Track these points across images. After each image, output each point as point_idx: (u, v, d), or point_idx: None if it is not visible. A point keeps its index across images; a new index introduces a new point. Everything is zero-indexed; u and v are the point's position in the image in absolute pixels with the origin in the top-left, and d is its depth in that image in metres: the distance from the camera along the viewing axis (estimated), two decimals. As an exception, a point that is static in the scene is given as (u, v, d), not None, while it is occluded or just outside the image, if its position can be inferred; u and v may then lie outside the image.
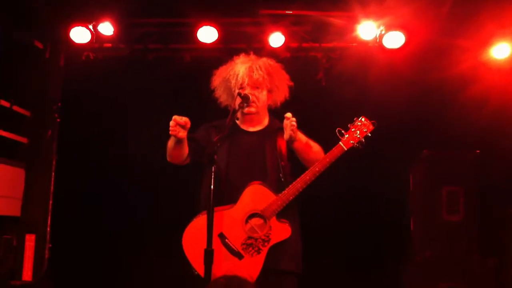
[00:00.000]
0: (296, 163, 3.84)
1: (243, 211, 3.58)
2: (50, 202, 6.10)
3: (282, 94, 3.95)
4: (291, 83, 3.97)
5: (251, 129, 3.90)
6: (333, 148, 3.61)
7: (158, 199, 6.14)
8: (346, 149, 3.61)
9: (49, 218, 6.07)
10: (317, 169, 3.56)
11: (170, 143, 3.71)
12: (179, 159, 3.82)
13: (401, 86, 5.77)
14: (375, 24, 5.73)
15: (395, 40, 5.74)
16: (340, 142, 3.62)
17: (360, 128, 3.66)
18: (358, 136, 3.63)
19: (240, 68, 3.77)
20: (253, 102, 3.75)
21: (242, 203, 3.59)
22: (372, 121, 3.69)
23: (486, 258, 5.36)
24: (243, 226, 3.56)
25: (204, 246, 3.26)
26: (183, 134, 3.57)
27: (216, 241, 3.45)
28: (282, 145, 3.79)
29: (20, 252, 5.86)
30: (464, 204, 5.49)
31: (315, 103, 5.99)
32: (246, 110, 3.74)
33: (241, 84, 3.76)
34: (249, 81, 3.75)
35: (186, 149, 3.75)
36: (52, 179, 6.14)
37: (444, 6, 5.52)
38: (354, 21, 5.77)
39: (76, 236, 6.07)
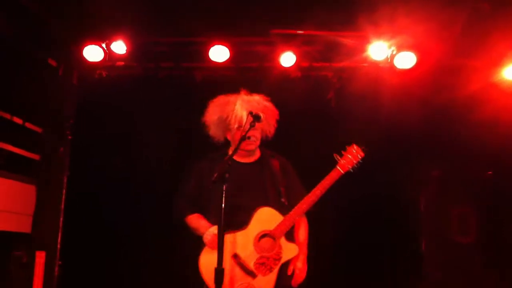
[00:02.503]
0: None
1: (254, 232, 3.84)
2: (61, 219, 6.09)
3: (272, 129, 4.20)
4: (278, 117, 4.21)
5: (246, 161, 4.16)
6: (331, 172, 3.93)
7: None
8: (343, 172, 3.94)
9: (60, 235, 6.07)
10: (318, 191, 3.88)
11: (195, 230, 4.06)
12: None
13: (412, 106, 5.75)
14: (386, 44, 5.75)
15: (406, 60, 5.75)
16: (337, 166, 3.94)
17: (354, 154, 3.97)
18: (353, 161, 3.95)
19: (243, 113, 3.96)
20: (253, 142, 4.04)
21: (253, 225, 3.85)
22: (363, 148, 4.01)
23: (500, 280, 5.30)
24: (255, 246, 3.82)
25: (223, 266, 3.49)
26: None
27: (231, 261, 3.77)
28: (277, 171, 4.11)
29: (30, 269, 5.85)
30: (476, 226, 5.46)
31: (325, 122, 6.00)
32: (247, 147, 4.03)
33: (239, 123, 3.98)
34: (248, 123, 3.89)
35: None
36: (63, 196, 6.15)
37: (456, 26, 5.52)
38: (365, 41, 5.79)
39: (87, 253, 6.06)
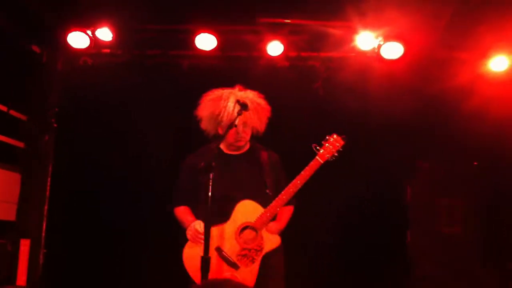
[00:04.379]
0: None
1: (236, 225, 3.92)
2: (46, 207, 6.06)
3: (263, 125, 4.25)
4: (270, 115, 4.26)
5: (235, 153, 4.24)
6: (311, 162, 4.00)
7: (155, 204, 6.10)
8: (322, 162, 4.01)
9: (44, 223, 6.04)
10: (298, 181, 3.94)
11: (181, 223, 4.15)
12: None
13: (400, 97, 5.77)
14: (373, 34, 5.73)
15: (393, 51, 5.73)
16: (317, 157, 4.01)
17: (333, 143, 4.05)
18: (331, 150, 4.02)
19: (234, 111, 3.98)
20: (243, 137, 4.12)
21: (235, 218, 3.93)
22: (342, 136, 4.08)
23: (486, 270, 5.34)
24: (237, 238, 3.90)
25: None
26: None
27: (214, 254, 3.82)
28: (264, 163, 4.18)
29: (15, 257, 5.82)
30: (463, 217, 5.50)
31: (313, 111, 5.99)
32: (237, 143, 4.13)
33: (230, 119, 3.99)
34: (240, 122, 4.03)
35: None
36: (48, 184, 6.11)
37: (443, 18, 5.52)
38: (352, 31, 5.76)
39: (72, 241, 6.04)
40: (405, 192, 6.00)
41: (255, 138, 4.31)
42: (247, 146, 4.27)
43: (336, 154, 4.03)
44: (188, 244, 3.96)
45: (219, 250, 3.87)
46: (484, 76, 5.81)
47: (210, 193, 3.48)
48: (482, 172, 5.66)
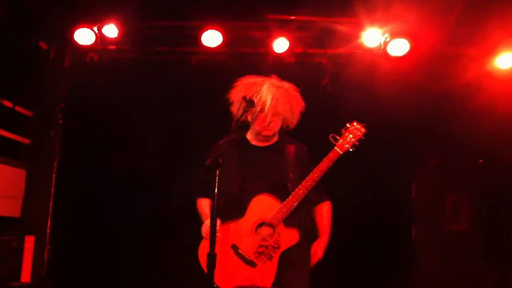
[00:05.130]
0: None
1: (251, 221, 3.77)
2: (51, 203, 6.05)
3: (295, 119, 4.06)
4: (304, 110, 4.08)
5: (261, 144, 4.06)
6: (329, 153, 3.79)
7: (160, 199, 6.11)
8: (341, 153, 3.80)
9: (49, 219, 6.03)
10: (316, 174, 3.75)
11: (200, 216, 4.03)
12: None
13: (406, 93, 5.77)
14: (380, 31, 5.73)
15: (399, 47, 5.73)
16: (336, 147, 3.80)
17: (353, 132, 3.83)
18: (352, 140, 3.81)
19: (267, 97, 3.84)
20: (272, 127, 3.93)
21: (250, 214, 3.78)
22: (364, 124, 3.87)
23: (492, 267, 5.34)
24: (253, 235, 3.74)
25: (221, 256, 3.55)
26: None
27: (229, 252, 3.73)
28: (291, 157, 3.98)
29: (20, 254, 5.82)
30: (469, 213, 5.48)
31: (320, 108, 5.96)
32: (264, 133, 3.93)
33: (262, 108, 3.85)
34: (273, 110, 3.87)
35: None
36: (53, 180, 6.10)
37: (450, 14, 5.51)
38: (359, 27, 5.77)
39: (76, 238, 6.04)
40: (411, 189, 5.98)
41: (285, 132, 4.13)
42: (275, 138, 4.08)
43: (357, 144, 3.81)
44: (203, 241, 3.80)
45: (235, 247, 3.75)
46: (491, 73, 5.81)
47: (216, 190, 3.30)
48: (487, 169, 5.65)
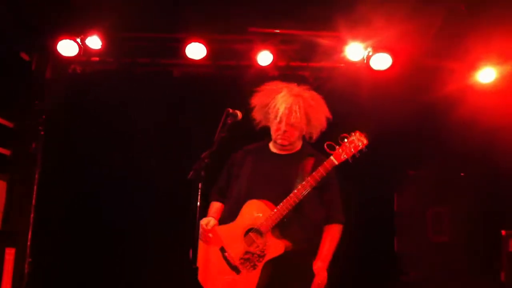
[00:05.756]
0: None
1: (241, 226, 3.66)
2: (32, 215, 6.00)
3: (318, 128, 3.93)
4: (330, 116, 3.96)
5: (281, 153, 3.93)
6: (324, 163, 3.59)
7: (139, 219, 6.08)
8: (337, 163, 3.59)
9: (30, 231, 5.97)
10: (308, 184, 3.57)
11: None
12: None
13: (388, 106, 5.79)
14: (362, 45, 5.78)
15: (382, 61, 5.79)
16: (331, 157, 3.59)
17: (354, 142, 3.60)
18: (352, 150, 3.57)
19: (281, 105, 3.75)
20: (286, 137, 3.80)
21: (241, 218, 3.69)
22: (366, 134, 3.64)
23: (474, 279, 5.37)
24: (242, 240, 3.64)
25: (211, 258, 3.62)
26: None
27: (217, 254, 3.66)
28: (307, 168, 3.75)
29: (0, 266, 5.75)
30: (451, 225, 5.52)
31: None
32: (279, 141, 3.82)
33: (280, 118, 3.76)
34: (287, 119, 3.76)
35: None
36: (34, 192, 6.05)
37: (431, 29, 5.57)
38: (342, 42, 5.81)
39: (57, 251, 5.99)
40: (393, 201, 6.01)
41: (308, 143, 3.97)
42: (297, 148, 3.92)
43: (357, 155, 3.56)
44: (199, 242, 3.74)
45: (223, 250, 3.67)
46: (473, 86, 5.87)
47: (198, 204, 3.32)
48: (470, 181, 5.70)
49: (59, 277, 5.97)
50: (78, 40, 5.90)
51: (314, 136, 3.93)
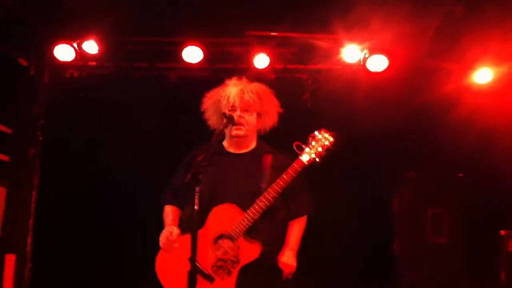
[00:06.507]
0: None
1: (210, 233, 3.52)
2: (31, 221, 6.00)
3: (271, 119, 3.88)
4: (281, 110, 3.90)
5: (237, 152, 3.83)
6: (293, 163, 3.50)
7: (139, 223, 6.08)
8: (306, 164, 3.50)
9: (30, 237, 5.97)
10: (279, 186, 3.48)
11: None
12: None
13: (386, 108, 5.81)
14: (359, 47, 5.80)
15: (378, 63, 5.82)
16: (300, 157, 3.51)
17: (321, 141, 3.51)
18: (318, 150, 3.50)
19: (232, 90, 3.72)
20: (242, 124, 3.70)
21: (210, 225, 3.53)
22: (332, 133, 3.55)
23: (473, 280, 5.37)
24: (212, 248, 3.51)
25: (179, 268, 3.36)
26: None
27: (186, 265, 3.33)
28: (266, 167, 3.70)
29: (0, 272, 5.75)
30: (450, 226, 5.53)
31: (301, 124, 5.96)
32: (234, 133, 3.70)
33: (231, 106, 3.70)
34: (240, 103, 3.70)
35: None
36: (34, 197, 6.06)
37: (428, 31, 5.59)
38: (338, 44, 5.83)
39: (58, 256, 5.99)
40: (392, 202, 6.02)
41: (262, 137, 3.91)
42: (253, 145, 3.84)
43: (324, 155, 3.49)
44: (161, 252, 3.60)
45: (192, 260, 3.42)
46: (469, 87, 5.89)
47: (196, 207, 3.16)
48: (467, 182, 5.71)
49: (60, 282, 5.98)
50: (75, 44, 5.91)
51: (268, 127, 3.87)
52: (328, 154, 3.51)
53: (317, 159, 3.50)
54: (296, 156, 3.52)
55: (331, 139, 3.52)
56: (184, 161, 3.89)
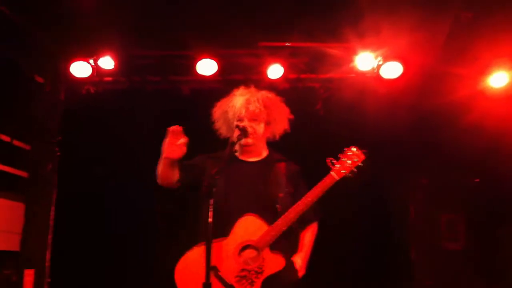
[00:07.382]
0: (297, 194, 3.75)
1: (235, 243, 3.51)
2: (50, 236, 6.05)
3: (281, 127, 3.89)
4: (291, 116, 3.91)
5: (249, 160, 3.84)
6: (325, 178, 3.56)
7: (158, 232, 6.10)
8: (337, 178, 3.56)
9: (48, 252, 6.02)
10: (309, 199, 3.52)
11: (162, 166, 3.67)
12: (169, 182, 3.75)
13: (399, 115, 5.81)
14: (372, 55, 5.81)
15: (392, 70, 5.81)
16: (332, 172, 3.57)
17: (351, 157, 3.60)
18: (349, 165, 3.58)
19: (238, 100, 3.75)
20: (250, 134, 3.69)
21: (235, 235, 3.52)
22: (364, 151, 3.64)
23: (488, 285, 5.32)
24: (236, 258, 3.48)
25: (198, 279, 3.24)
26: (178, 155, 3.55)
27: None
28: (281, 176, 3.74)
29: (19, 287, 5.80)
30: (465, 232, 5.49)
31: (314, 132, 6.00)
32: (243, 142, 3.68)
33: (238, 116, 3.73)
34: (246, 113, 3.72)
35: (177, 173, 3.70)
36: (52, 213, 6.11)
37: (441, 36, 5.57)
38: (351, 52, 5.85)
39: (76, 271, 6.01)
40: (408, 209, 5.99)
41: (272, 145, 3.92)
42: (264, 153, 3.86)
43: (355, 170, 3.56)
44: (180, 262, 3.50)
45: (215, 269, 3.41)
46: (483, 92, 5.86)
47: (210, 220, 3.12)
48: (482, 187, 5.67)
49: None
50: (91, 61, 5.99)
51: (278, 135, 3.88)
52: (358, 171, 3.59)
53: (348, 175, 3.58)
54: (320, 170, 3.58)
55: (362, 156, 3.61)
56: (198, 157, 3.86)
